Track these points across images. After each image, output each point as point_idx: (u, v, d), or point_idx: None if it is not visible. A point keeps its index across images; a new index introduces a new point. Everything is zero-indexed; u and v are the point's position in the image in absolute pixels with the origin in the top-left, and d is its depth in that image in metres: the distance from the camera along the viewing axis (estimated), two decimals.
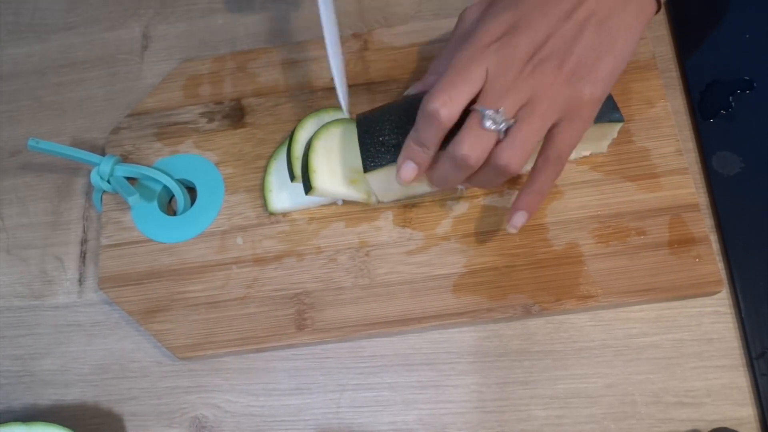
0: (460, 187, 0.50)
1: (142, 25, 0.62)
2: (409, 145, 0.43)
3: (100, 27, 0.63)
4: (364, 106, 0.51)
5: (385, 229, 0.50)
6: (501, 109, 0.39)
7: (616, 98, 0.46)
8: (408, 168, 0.43)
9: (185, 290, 0.51)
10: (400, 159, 0.43)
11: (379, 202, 0.51)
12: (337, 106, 0.54)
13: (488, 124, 0.39)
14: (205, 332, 0.49)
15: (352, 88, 0.55)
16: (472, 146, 0.40)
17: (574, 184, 0.49)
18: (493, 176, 0.42)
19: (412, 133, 0.43)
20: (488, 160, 0.41)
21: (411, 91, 0.50)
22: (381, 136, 0.46)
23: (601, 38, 0.40)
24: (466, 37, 0.42)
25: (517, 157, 0.40)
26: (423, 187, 0.50)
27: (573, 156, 0.50)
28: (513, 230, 0.45)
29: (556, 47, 0.40)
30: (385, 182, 0.47)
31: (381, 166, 0.45)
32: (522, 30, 0.40)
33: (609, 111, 0.45)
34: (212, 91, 0.57)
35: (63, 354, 0.52)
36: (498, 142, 0.40)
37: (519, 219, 0.44)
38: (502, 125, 0.40)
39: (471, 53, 0.40)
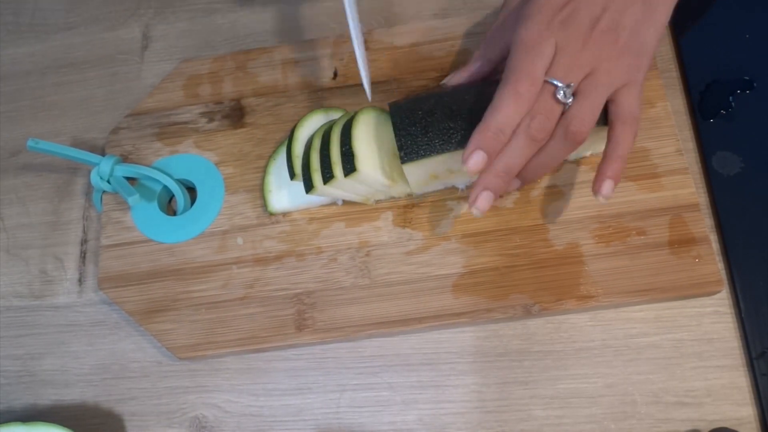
0: (460, 187, 0.50)
1: (142, 25, 0.62)
2: (483, 133, 0.41)
3: (100, 27, 0.63)
4: (364, 106, 0.51)
5: (385, 229, 0.50)
6: (571, 83, 0.41)
7: None
8: (478, 157, 0.41)
9: (185, 290, 0.51)
10: (470, 148, 0.42)
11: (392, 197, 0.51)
12: (338, 106, 0.54)
13: (561, 95, 0.41)
14: (205, 332, 0.49)
15: (352, 88, 0.55)
16: (547, 118, 0.41)
17: (575, 184, 0.49)
18: (561, 148, 0.43)
19: (488, 119, 0.41)
20: (557, 131, 0.42)
21: (453, 79, 0.49)
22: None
23: (645, 10, 0.42)
24: (526, 15, 0.42)
25: (588, 124, 0.42)
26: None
27: (573, 156, 0.50)
28: (604, 200, 0.43)
29: (612, 20, 0.41)
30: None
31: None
32: (582, 3, 0.41)
33: None
34: (212, 91, 0.57)
35: (63, 354, 0.52)
36: (563, 113, 0.42)
37: (608, 187, 0.43)
38: (570, 97, 0.41)
39: (538, 30, 0.41)
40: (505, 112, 0.41)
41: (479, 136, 0.42)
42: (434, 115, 0.45)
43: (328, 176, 0.47)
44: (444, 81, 0.50)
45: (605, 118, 0.43)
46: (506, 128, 0.41)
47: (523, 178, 0.45)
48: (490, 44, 0.47)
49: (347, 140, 0.47)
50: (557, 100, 0.41)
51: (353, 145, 0.47)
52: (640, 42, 0.42)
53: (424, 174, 0.47)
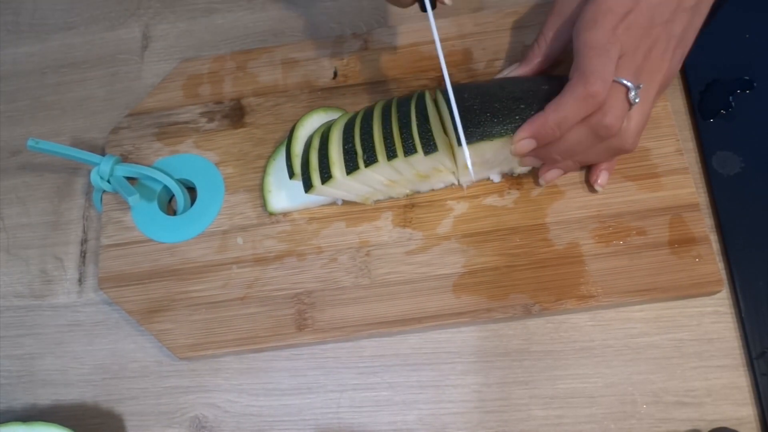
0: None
1: (142, 25, 0.62)
2: (542, 124, 0.43)
3: (100, 27, 0.63)
4: (365, 106, 0.50)
5: (385, 229, 0.50)
6: (640, 85, 0.43)
7: None
8: (530, 144, 0.44)
9: (185, 290, 0.51)
10: (524, 133, 0.44)
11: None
12: (338, 106, 0.54)
13: (632, 96, 0.42)
14: (205, 332, 0.49)
15: (351, 88, 0.55)
16: (617, 117, 0.42)
17: (575, 184, 0.49)
18: (609, 148, 0.45)
19: (549, 112, 0.43)
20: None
21: (512, 71, 0.50)
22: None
23: (693, 19, 0.44)
24: (591, 18, 0.42)
25: (642, 125, 0.45)
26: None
27: None
28: (600, 189, 0.48)
29: (669, 29, 0.43)
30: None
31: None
32: (644, 9, 0.42)
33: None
34: (212, 91, 0.57)
35: (63, 354, 0.52)
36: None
37: (605, 177, 0.48)
38: (638, 98, 0.43)
39: (606, 34, 0.42)
40: (570, 109, 0.42)
41: (537, 124, 0.43)
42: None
43: (326, 176, 0.47)
44: (503, 73, 0.51)
45: None
46: (564, 125, 0.43)
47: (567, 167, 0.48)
48: (549, 42, 0.48)
49: (350, 138, 0.47)
50: (628, 101, 0.42)
51: (356, 143, 0.47)
52: (685, 48, 0.45)
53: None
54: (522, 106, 0.45)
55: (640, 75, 0.43)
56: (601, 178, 0.48)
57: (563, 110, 0.42)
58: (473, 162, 0.46)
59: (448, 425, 0.47)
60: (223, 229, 0.52)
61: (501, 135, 0.45)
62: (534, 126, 0.44)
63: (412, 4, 0.47)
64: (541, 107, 0.44)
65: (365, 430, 0.47)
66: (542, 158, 0.47)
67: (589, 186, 0.49)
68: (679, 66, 0.45)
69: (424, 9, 0.46)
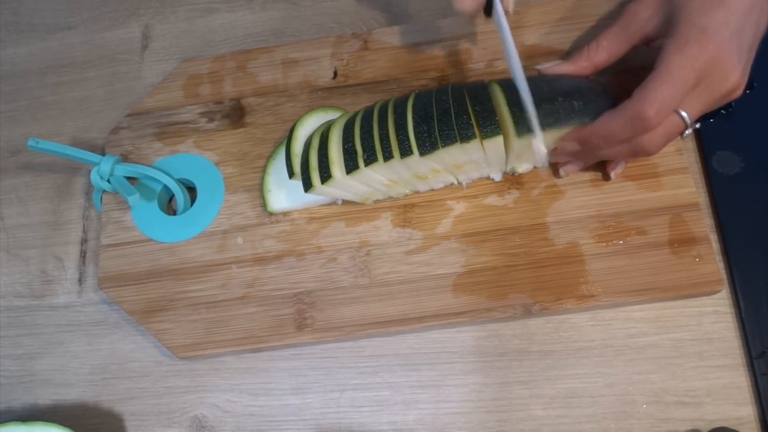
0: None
1: (142, 25, 0.62)
2: (588, 135, 0.45)
3: (100, 27, 0.63)
4: (365, 106, 0.50)
5: (385, 228, 0.50)
6: (698, 124, 0.45)
7: (617, 98, 0.46)
8: (572, 146, 0.46)
9: (185, 290, 0.51)
10: (571, 136, 0.45)
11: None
12: (338, 106, 0.54)
13: (686, 133, 0.44)
14: (205, 332, 0.49)
15: (351, 87, 0.55)
16: (659, 144, 0.44)
17: (575, 184, 0.49)
18: (634, 152, 0.45)
19: (599, 126, 0.44)
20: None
21: (553, 69, 0.48)
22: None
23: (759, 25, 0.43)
24: (683, 41, 0.41)
25: (673, 137, 0.45)
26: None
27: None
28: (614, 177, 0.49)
29: (746, 47, 0.43)
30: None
31: (556, 127, 0.45)
32: (717, 78, 0.41)
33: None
34: (212, 91, 0.57)
35: (63, 354, 0.52)
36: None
37: (621, 166, 0.49)
38: (688, 134, 0.44)
39: (673, 97, 0.41)
40: (620, 128, 0.43)
41: (586, 133, 0.45)
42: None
43: (326, 175, 0.47)
44: (541, 67, 0.49)
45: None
46: (610, 141, 0.44)
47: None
48: (602, 52, 0.47)
49: (350, 137, 0.47)
50: (678, 134, 0.44)
51: (356, 142, 0.47)
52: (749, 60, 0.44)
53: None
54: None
55: (702, 112, 0.43)
56: (618, 168, 0.49)
57: (614, 126, 0.43)
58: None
59: (448, 425, 0.47)
60: (222, 229, 0.52)
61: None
62: (582, 134, 0.45)
63: (476, 12, 0.47)
64: (590, 109, 0.45)
65: (365, 430, 0.47)
66: (572, 156, 0.48)
67: (604, 174, 0.49)
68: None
69: (489, 14, 0.47)
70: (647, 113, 0.41)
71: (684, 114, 0.42)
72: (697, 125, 0.43)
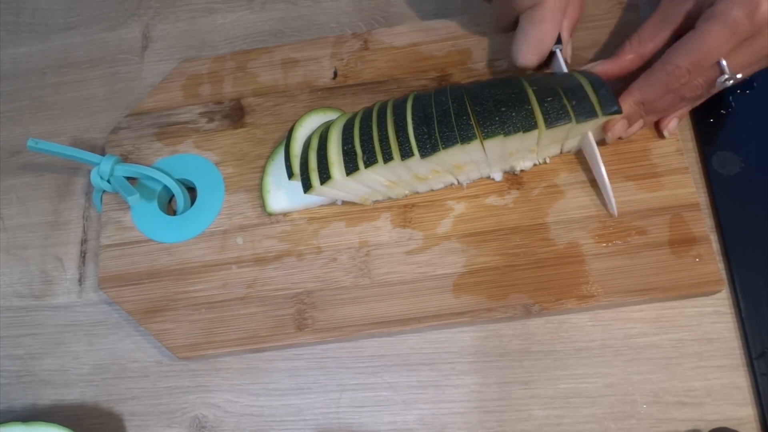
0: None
1: (142, 25, 0.62)
2: (629, 103, 0.46)
3: (100, 27, 0.63)
4: (364, 106, 0.50)
5: (385, 228, 0.50)
6: (738, 75, 0.44)
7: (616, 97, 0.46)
8: (623, 126, 0.47)
9: (185, 290, 0.51)
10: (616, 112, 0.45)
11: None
12: (338, 106, 0.54)
13: (721, 80, 0.44)
14: (205, 332, 0.49)
15: (351, 88, 0.55)
16: (703, 91, 0.45)
17: (575, 184, 0.49)
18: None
19: (635, 90, 0.45)
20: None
21: (598, 68, 0.48)
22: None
23: None
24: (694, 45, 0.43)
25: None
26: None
27: (572, 146, 0.50)
28: (668, 135, 0.49)
29: None
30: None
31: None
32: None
33: (609, 104, 0.45)
34: (212, 91, 0.57)
35: (63, 354, 0.52)
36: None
37: (675, 124, 0.49)
38: (729, 82, 0.44)
39: (741, 15, 0.41)
40: (655, 89, 0.45)
41: (626, 103, 0.46)
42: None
43: (325, 176, 0.47)
44: (588, 67, 0.49)
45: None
46: (649, 102, 0.45)
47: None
48: (644, 42, 0.47)
49: (350, 138, 0.47)
50: (717, 84, 0.44)
51: (355, 143, 0.47)
52: None
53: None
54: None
55: (749, 69, 0.44)
56: (672, 124, 0.49)
57: (649, 88, 0.45)
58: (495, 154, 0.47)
59: (448, 425, 0.47)
60: (222, 229, 0.52)
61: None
62: (624, 104, 0.46)
63: (511, 28, 0.50)
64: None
65: (365, 430, 0.47)
66: (635, 114, 0.48)
67: (658, 131, 0.50)
68: None
69: (548, 64, 0.50)
70: (681, 65, 0.42)
71: (726, 71, 0.43)
72: (737, 77, 0.43)
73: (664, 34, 0.46)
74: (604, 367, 0.47)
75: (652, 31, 0.47)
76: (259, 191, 0.53)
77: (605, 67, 0.48)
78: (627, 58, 0.47)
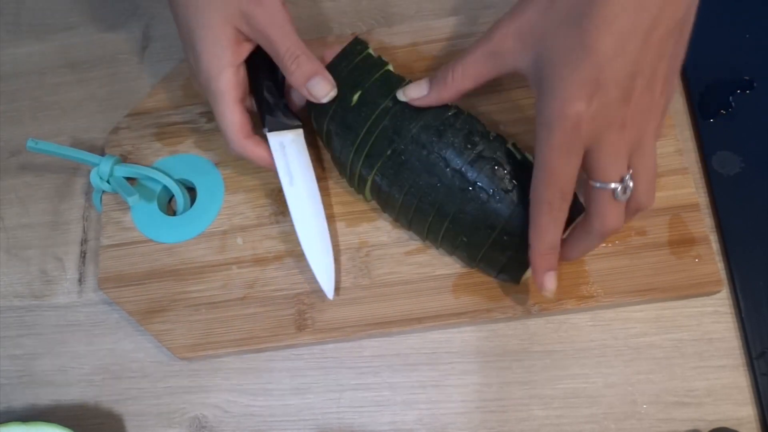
0: None
1: (142, 25, 0.62)
2: (540, 257, 0.41)
3: (100, 27, 0.63)
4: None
5: (384, 229, 0.50)
6: (624, 176, 0.38)
7: None
8: (551, 278, 0.42)
9: (185, 290, 0.51)
10: (538, 275, 0.41)
11: None
12: None
13: (619, 195, 0.38)
14: (205, 332, 0.49)
15: None
16: (616, 221, 0.39)
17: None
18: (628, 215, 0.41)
19: (535, 243, 0.41)
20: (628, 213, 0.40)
21: (417, 100, 0.45)
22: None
23: (678, 42, 0.38)
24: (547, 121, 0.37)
25: (653, 176, 0.40)
26: None
27: None
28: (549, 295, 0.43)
29: (647, 79, 0.37)
30: None
31: None
32: (610, 78, 0.36)
33: (577, 209, 0.42)
34: None
35: (63, 354, 0.52)
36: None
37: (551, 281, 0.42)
38: (630, 190, 0.38)
39: (565, 137, 0.37)
40: (546, 230, 0.40)
41: (539, 260, 0.41)
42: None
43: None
44: (404, 97, 0.45)
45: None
46: (556, 242, 0.41)
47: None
48: (469, 78, 0.43)
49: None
50: (617, 201, 0.38)
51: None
52: (673, 85, 0.39)
53: None
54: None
55: (623, 158, 0.38)
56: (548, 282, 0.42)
57: (543, 235, 0.40)
58: None
59: (448, 425, 0.47)
60: (222, 230, 0.52)
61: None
62: (537, 261, 0.41)
63: None
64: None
65: (365, 430, 0.47)
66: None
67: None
68: (674, 89, 0.40)
69: None
70: (550, 197, 0.39)
71: (603, 186, 0.38)
72: (626, 181, 0.38)
73: (489, 75, 0.42)
74: (604, 367, 0.47)
75: (477, 66, 0.42)
76: (259, 191, 0.53)
77: (425, 101, 0.44)
78: (446, 95, 0.44)
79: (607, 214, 0.39)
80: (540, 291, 0.42)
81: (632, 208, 0.40)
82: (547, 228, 0.40)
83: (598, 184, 0.38)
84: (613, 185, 0.38)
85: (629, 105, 0.36)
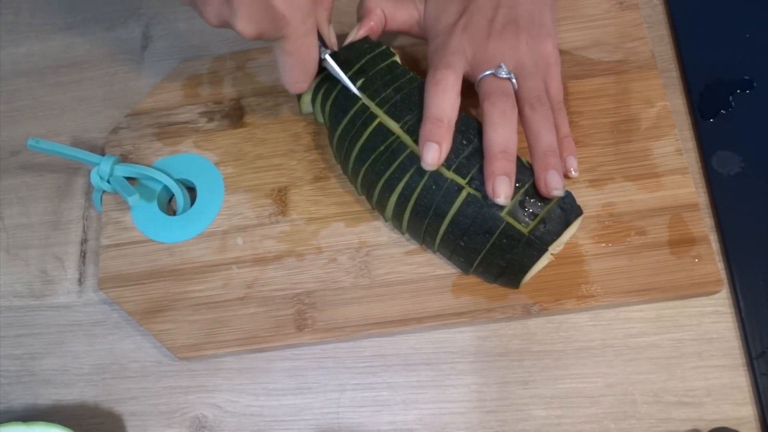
0: None
1: (142, 25, 0.62)
2: (425, 126, 0.44)
3: (100, 27, 0.63)
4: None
5: (384, 229, 0.50)
6: (501, 65, 0.45)
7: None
8: (431, 148, 0.43)
9: (185, 290, 0.51)
10: (420, 143, 0.44)
11: None
12: None
13: (502, 74, 0.44)
14: (205, 332, 0.49)
15: None
16: (503, 94, 0.44)
17: (574, 184, 0.49)
18: (542, 114, 0.44)
19: (425, 113, 0.44)
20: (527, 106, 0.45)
21: (351, 37, 0.50)
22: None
23: None
24: (435, 18, 0.48)
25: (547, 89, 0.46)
26: None
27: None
28: (576, 174, 0.46)
29: (505, 15, 0.46)
30: None
31: None
32: (475, 8, 0.46)
33: (574, 210, 0.44)
34: (212, 91, 0.57)
35: (63, 354, 0.52)
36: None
37: (574, 162, 0.46)
38: (511, 74, 0.45)
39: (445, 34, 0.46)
40: (434, 101, 0.44)
41: (424, 130, 0.44)
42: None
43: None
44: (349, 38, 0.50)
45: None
46: (443, 117, 0.43)
47: (541, 152, 0.44)
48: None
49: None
50: (501, 78, 0.44)
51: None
52: (541, 26, 0.46)
53: None
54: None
55: (487, 65, 0.45)
56: (571, 162, 0.46)
57: (431, 107, 0.44)
58: None
59: (448, 425, 0.47)
60: (222, 229, 0.52)
61: None
62: (422, 132, 0.44)
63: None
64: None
65: (365, 430, 0.47)
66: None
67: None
68: (546, 29, 0.47)
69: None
70: (437, 74, 0.45)
71: (483, 74, 0.45)
72: (502, 65, 0.45)
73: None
74: (604, 367, 0.47)
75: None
76: (259, 191, 0.53)
77: (359, 35, 0.50)
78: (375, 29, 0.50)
79: (494, 88, 0.44)
80: (424, 160, 0.43)
81: (530, 102, 0.44)
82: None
83: (477, 73, 0.45)
84: (489, 71, 0.45)
85: (491, 30, 0.46)
